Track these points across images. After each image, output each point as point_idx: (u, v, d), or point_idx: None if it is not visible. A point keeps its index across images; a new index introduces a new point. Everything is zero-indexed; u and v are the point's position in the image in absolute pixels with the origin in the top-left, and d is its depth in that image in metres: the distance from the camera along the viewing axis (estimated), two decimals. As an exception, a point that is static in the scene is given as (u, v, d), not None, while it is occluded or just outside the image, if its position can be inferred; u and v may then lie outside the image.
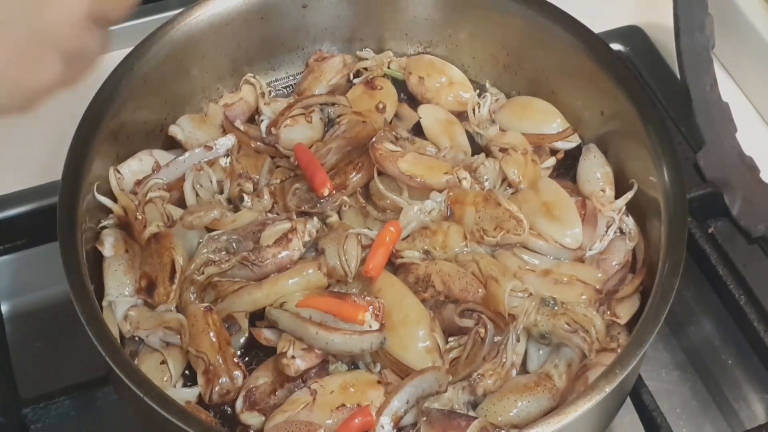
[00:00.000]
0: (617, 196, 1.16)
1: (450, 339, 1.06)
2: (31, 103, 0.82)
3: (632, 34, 1.48)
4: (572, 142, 1.26)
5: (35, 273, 1.28)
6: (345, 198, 1.16)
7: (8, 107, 0.81)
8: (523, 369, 1.05)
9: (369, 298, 1.03)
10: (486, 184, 1.18)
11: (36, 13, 0.77)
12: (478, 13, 1.30)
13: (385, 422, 0.96)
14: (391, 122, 1.28)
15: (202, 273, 1.08)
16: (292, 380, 1.02)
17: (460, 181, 1.15)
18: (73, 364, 1.11)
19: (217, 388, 1.00)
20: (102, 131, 1.12)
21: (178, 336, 1.03)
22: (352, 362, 1.06)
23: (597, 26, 1.27)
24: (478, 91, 1.32)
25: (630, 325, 1.06)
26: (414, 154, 1.18)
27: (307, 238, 1.10)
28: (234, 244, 1.09)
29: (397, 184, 1.17)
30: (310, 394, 1.00)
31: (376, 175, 1.16)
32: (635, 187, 1.14)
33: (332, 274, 1.09)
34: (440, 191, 1.15)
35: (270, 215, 1.15)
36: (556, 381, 1.02)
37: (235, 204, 1.17)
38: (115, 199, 1.14)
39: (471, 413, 1.00)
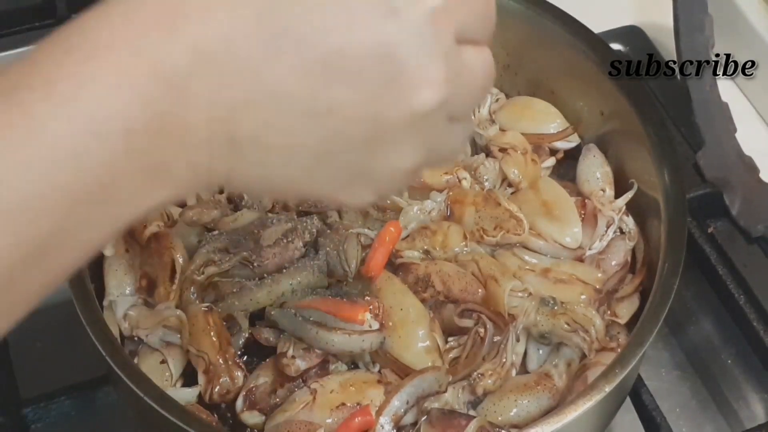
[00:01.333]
0: (617, 196, 1.16)
1: (450, 339, 1.06)
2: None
3: (632, 34, 1.48)
4: (572, 141, 1.26)
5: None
6: (345, 198, 1.15)
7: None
8: (523, 369, 1.05)
9: (369, 298, 1.04)
10: (486, 184, 1.18)
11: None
12: (478, 13, 1.30)
13: (385, 422, 0.96)
14: (391, 122, 1.28)
15: (203, 273, 1.08)
16: (293, 380, 1.02)
17: (460, 181, 1.15)
18: (74, 364, 1.11)
19: (217, 388, 1.00)
20: (102, 131, 1.12)
21: (178, 335, 1.04)
22: (353, 362, 1.06)
23: (597, 26, 1.26)
24: (477, 91, 1.32)
25: (630, 324, 1.06)
26: (414, 154, 1.18)
27: (307, 238, 1.11)
28: (234, 244, 1.09)
29: (397, 184, 1.17)
30: (311, 394, 1.00)
31: (376, 175, 1.16)
32: (635, 187, 1.14)
33: (332, 274, 1.09)
34: (440, 191, 1.15)
35: (270, 215, 1.15)
36: (556, 380, 1.02)
37: (235, 204, 1.17)
38: (115, 199, 1.13)
39: (471, 413, 1.00)
